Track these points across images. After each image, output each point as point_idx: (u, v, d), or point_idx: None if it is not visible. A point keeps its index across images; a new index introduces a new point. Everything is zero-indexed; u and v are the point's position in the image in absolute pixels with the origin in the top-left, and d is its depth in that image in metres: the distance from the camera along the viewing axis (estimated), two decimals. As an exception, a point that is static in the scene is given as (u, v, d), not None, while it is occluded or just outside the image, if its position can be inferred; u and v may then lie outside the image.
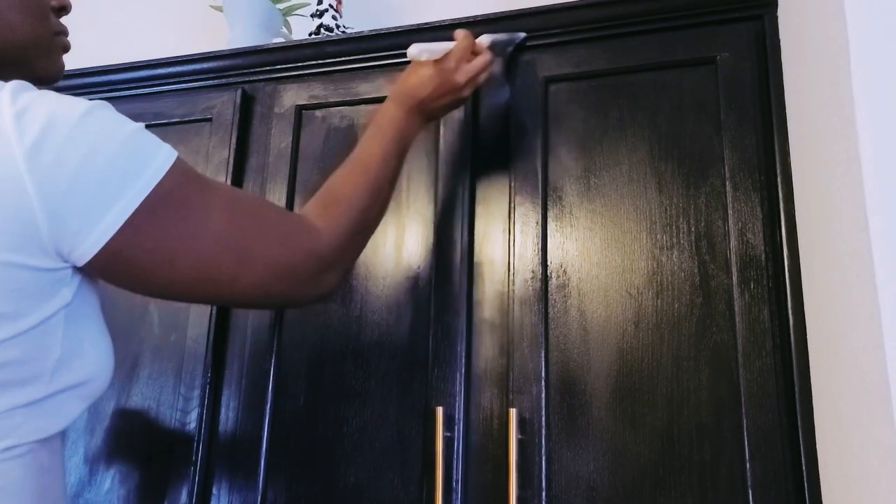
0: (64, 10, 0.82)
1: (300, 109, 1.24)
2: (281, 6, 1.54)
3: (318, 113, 1.24)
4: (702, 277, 0.98)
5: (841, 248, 0.68)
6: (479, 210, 1.11)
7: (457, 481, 0.99)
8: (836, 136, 0.67)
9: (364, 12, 1.62)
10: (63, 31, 0.81)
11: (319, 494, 1.06)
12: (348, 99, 1.22)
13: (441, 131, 1.14)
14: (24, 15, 0.74)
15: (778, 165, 0.97)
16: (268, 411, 1.10)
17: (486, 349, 1.05)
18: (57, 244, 0.61)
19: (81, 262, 0.63)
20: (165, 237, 0.66)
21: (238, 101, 1.27)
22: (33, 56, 0.76)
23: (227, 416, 1.13)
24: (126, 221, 0.62)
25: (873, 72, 0.59)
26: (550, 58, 1.13)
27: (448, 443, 1.00)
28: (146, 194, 0.63)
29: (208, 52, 1.32)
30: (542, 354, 1.01)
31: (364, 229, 0.88)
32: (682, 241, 1.00)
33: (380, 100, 1.19)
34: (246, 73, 1.30)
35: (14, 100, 0.61)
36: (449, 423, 1.00)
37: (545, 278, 1.04)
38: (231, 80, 1.31)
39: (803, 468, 0.87)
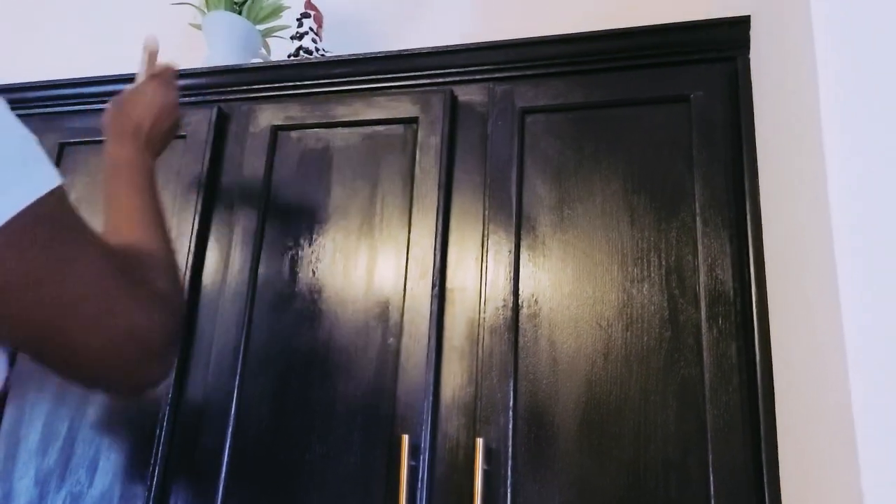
0: None
1: (276, 130, 1.23)
2: (261, 27, 1.54)
3: (294, 134, 1.23)
4: (671, 311, 0.98)
5: (808, 287, 0.69)
6: (452, 237, 1.11)
7: (420, 511, 0.97)
8: (805, 178, 0.68)
9: (344, 37, 1.62)
10: None
11: (279, 522, 1.03)
12: (324, 121, 1.21)
13: (417, 157, 1.14)
14: None
15: (748, 203, 0.99)
16: (229, 435, 1.08)
17: (455, 377, 1.04)
18: None
19: None
20: (19, 268, 0.55)
21: (213, 119, 1.26)
22: None
23: (188, 437, 1.10)
24: None
25: (842, 116, 0.60)
26: (528, 89, 1.14)
27: (413, 472, 0.98)
28: (6, 218, 0.53)
29: (185, 70, 1.31)
30: (511, 384, 1.00)
31: (175, 295, 0.75)
32: (652, 275, 1.00)
33: (356, 123, 1.20)
34: (222, 91, 1.29)
35: None
36: (414, 452, 0.99)
37: (516, 307, 1.04)
38: (207, 97, 1.30)
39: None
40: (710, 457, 0.90)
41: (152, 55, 1.02)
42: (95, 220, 0.95)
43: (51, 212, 0.57)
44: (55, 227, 0.58)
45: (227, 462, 1.07)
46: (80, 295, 0.60)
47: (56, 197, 0.57)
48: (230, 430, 1.08)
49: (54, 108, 1.35)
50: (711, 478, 0.90)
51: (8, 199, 0.53)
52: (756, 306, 0.94)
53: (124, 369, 0.65)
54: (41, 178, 0.57)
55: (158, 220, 0.81)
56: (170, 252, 0.79)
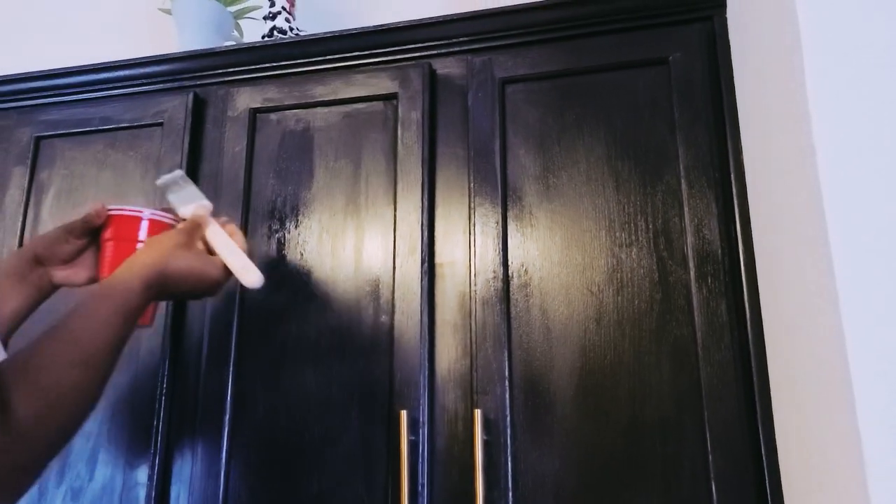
0: None
1: (254, 112, 1.22)
2: (232, 9, 1.51)
3: (273, 116, 1.22)
4: (660, 273, 0.99)
5: (796, 240, 0.70)
6: (438, 212, 1.11)
7: (423, 485, 0.98)
8: (790, 129, 0.68)
9: (317, 15, 1.60)
10: None
11: (282, 504, 1.04)
12: (303, 101, 1.20)
13: (399, 133, 1.14)
14: None
15: (731, 162, 0.99)
16: (227, 422, 1.08)
17: (449, 351, 1.04)
18: None
19: None
20: None
21: (190, 104, 1.24)
22: None
23: (186, 424, 1.10)
24: None
25: (826, 63, 0.60)
26: (507, 59, 1.13)
27: (413, 446, 0.99)
28: None
29: (158, 56, 1.29)
30: (506, 354, 1.01)
31: (72, 428, 0.68)
32: (640, 239, 1.01)
33: (336, 102, 1.18)
34: (197, 76, 1.27)
35: None
36: (413, 426, 1.00)
37: (506, 278, 1.04)
38: (182, 83, 1.28)
39: (763, 458, 0.88)
40: (706, 414, 0.92)
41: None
42: (74, 213, 0.94)
43: None
44: None
45: (227, 447, 1.07)
46: None
47: None
48: (227, 415, 1.08)
49: (27, 102, 1.33)
50: (708, 434, 0.91)
51: None
52: (744, 264, 0.95)
53: None
54: None
55: (106, 371, 0.72)
56: (88, 397, 0.69)
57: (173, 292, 0.83)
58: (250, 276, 0.86)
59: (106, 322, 0.73)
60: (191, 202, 0.95)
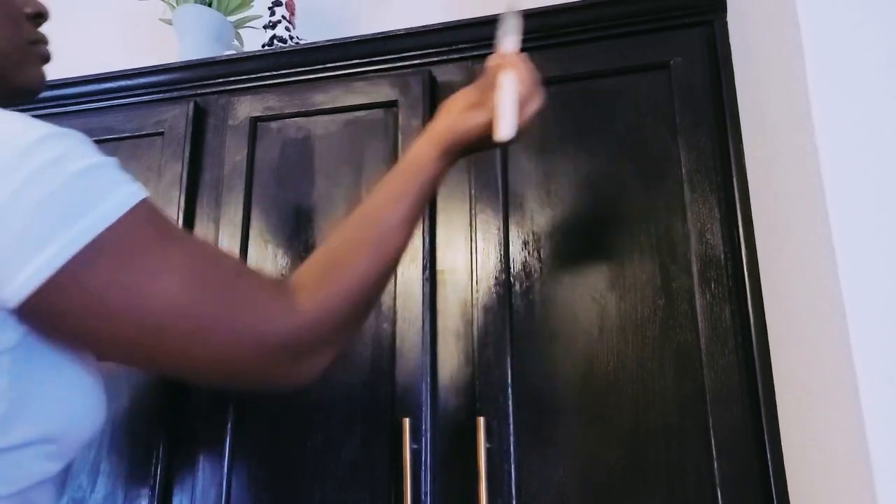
0: (40, 17, 0.75)
1: (255, 121, 1.22)
2: (232, 18, 1.51)
3: (274, 124, 1.22)
4: (663, 279, 0.98)
5: (799, 243, 0.69)
6: (440, 218, 1.10)
7: (426, 493, 0.97)
8: (792, 132, 0.68)
9: (317, 23, 1.60)
10: (40, 40, 0.74)
11: (285, 514, 1.03)
12: (304, 110, 1.20)
13: (400, 141, 1.14)
14: None
15: (733, 166, 0.99)
16: (229, 429, 1.07)
17: (451, 358, 1.04)
18: None
19: (12, 305, 0.54)
20: (107, 289, 0.56)
21: (190, 114, 1.24)
22: (6, 66, 0.69)
23: (188, 434, 1.09)
24: (62, 266, 0.53)
25: (827, 64, 0.60)
26: (507, 65, 1.13)
27: (415, 454, 0.98)
28: (87, 240, 0.54)
29: (158, 66, 1.29)
30: (508, 361, 1.00)
31: (364, 306, 0.73)
32: (642, 244, 1.01)
33: (336, 110, 1.18)
34: (198, 85, 1.27)
35: None
36: (415, 434, 0.99)
37: (508, 285, 1.04)
38: (182, 93, 1.28)
39: (769, 464, 0.87)
40: (710, 419, 0.91)
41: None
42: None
43: (122, 234, 0.56)
44: (133, 247, 0.57)
45: (229, 456, 1.06)
46: (165, 314, 0.58)
47: (132, 217, 0.57)
48: (229, 424, 1.07)
49: (30, 113, 1.32)
50: (713, 440, 0.90)
51: (71, 233, 0.54)
52: (747, 268, 0.95)
53: (245, 373, 0.64)
54: (110, 205, 0.56)
55: (399, 236, 0.75)
56: (378, 266, 0.72)
57: (468, 150, 0.83)
58: (502, 129, 0.78)
59: (401, 194, 0.76)
60: (508, 36, 0.87)
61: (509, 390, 0.99)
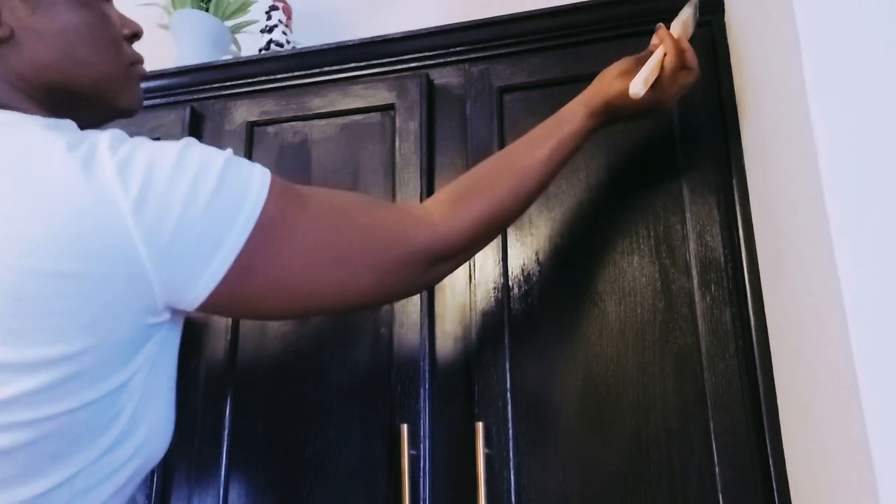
0: (136, 36, 0.77)
1: (252, 126, 1.21)
2: (229, 23, 1.51)
3: (271, 129, 1.21)
4: (663, 282, 0.97)
5: (799, 245, 0.68)
6: (437, 222, 1.09)
7: (424, 500, 0.96)
8: (790, 133, 0.67)
9: (314, 27, 1.60)
10: (138, 60, 0.76)
11: (282, 521, 1.02)
12: (301, 114, 1.19)
13: (396, 144, 1.13)
14: (96, 49, 0.69)
15: (732, 167, 0.98)
16: (226, 436, 1.06)
17: (450, 363, 1.03)
18: (167, 296, 0.58)
19: (191, 308, 0.61)
20: (272, 265, 0.63)
21: (187, 118, 1.23)
22: (110, 91, 0.71)
23: (185, 439, 1.08)
24: (234, 260, 0.60)
25: (825, 64, 0.59)
26: (505, 68, 1.13)
27: (414, 461, 0.97)
28: (250, 229, 0.60)
29: (155, 71, 1.28)
30: (507, 366, 0.99)
31: (497, 227, 0.81)
32: (641, 246, 1.00)
33: (333, 114, 1.18)
34: (194, 90, 1.27)
35: (114, 151, 0.57)
36: (414, 440, 0.98)
37: (507, 289, 1.03)
38: (179, 98, 1.27)
39: (771, 469, 0.86)
40: (712, 424, 0.90)
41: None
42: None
43: (271, 213, 0.62)
44: (282, 220, 0.63)
45: (226, 462, 1.05)
46: (321, 268, 0.66)
47: (271, 195, 0.63)
48: (226, 430, 1.07)
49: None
50: (714, 445, 0.89)
51: (237, 228, 0.60)
52: (747, 270, 0.94)
53: (392, 288, 0.73)
54: (255, 193, 0.62)
55: (536, 177, 0.83)
56: (512, 195, 0.81)
57: (621, 115, 0.91)
58: (632, 85, 0.85)
59: (544, 139, 0.85)
60: (677, 20, 0.94)
61: (508, 395, 0.98)
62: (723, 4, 1.05)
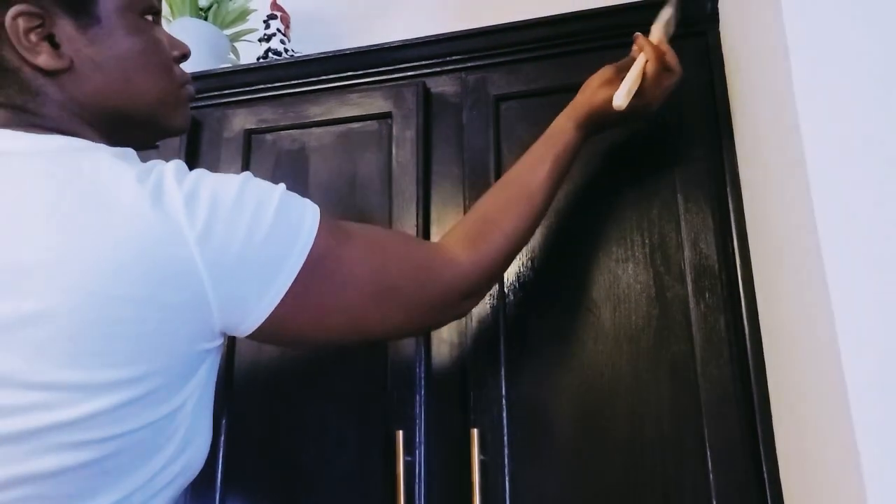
0: (185, 57, 0.79)
1: (249, 133, 1.22)
2: (228, 32, 1.52)
3: (268, 137, 1.22)
4: (657, 289, 0.98)
5: (791, 252, 0.69)
6: (433, 229, 1.10)
7: (419, 507, 0.96)
8: (781, 140, 0.68)
9: (312, 36, 1.61)
10: (188, 81, 0.79)
11: (278, 528, 1.02)
12: (298, 122, 1.20)
13: (393, 152, 1.13)
14: (151, 75, 0.71)
15: (727, 175, 0.98)
16: (222, 443, 1.06)
17: (445, 369, 1.03)
18: (224, 322, 0.61)
19: (244, 335, 0.64)
20: (321, 296, 0.66)
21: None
22: (163, 114, 0.74)
23: (180, 450, 1.09)
24: (287, 290, 0.63)
25: (813, 75, 0.60)
26: (501, 76, 1.13)
27: (409, 467, 0.97)
28: (303, 261, 0.63)
29: (154, 79, 1.29)
30: (502, 373, 0.99)
31: (513, 256, 0.86)
32: (636, 254, 1.00)
33: (330, 122, 1.18)
34: (193, 98, 1.27)
35: (180, 184, 0.59)
36: (409, 446, 0.98)
37: (502, 296, 1.03)
38: (178, 105, 1.28)
39: (765, 476, 0.87)
40: (706, 431, 0.90)
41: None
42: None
43: (321, 247, 0.65)
44: (331, 255, 0.66)
45: (222, 469, 1.05)
46: (361, 300, 0.70)
47: (322, 231, 0.66)
48: (222, 437, 1.07)
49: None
50: (708, 453, 0.89)
51: (292, 260, 0.63)
52: (742, 278, 0.94)
53: (426, 319, 0.80)
54: (308, 227, 0.65)
55: (540, 200, 0.86)
56: (523, 226, 0.85)
57: (608, 123, 0.94)
58: (616, 97, 0.88)
59: (540, 160, 0.88)
60: (655, 24, 0.96)
61: (503, 402, 0.98)
62: (717, 15, 1.05)
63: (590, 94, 0.92)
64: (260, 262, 0.61)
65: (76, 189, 0.57)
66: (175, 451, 0.62)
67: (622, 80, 0.90)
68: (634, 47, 0.94)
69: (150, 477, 0.60)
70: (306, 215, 0.66)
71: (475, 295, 0.82)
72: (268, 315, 0.63)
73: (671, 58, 0.93)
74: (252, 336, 0.65)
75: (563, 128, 0.91)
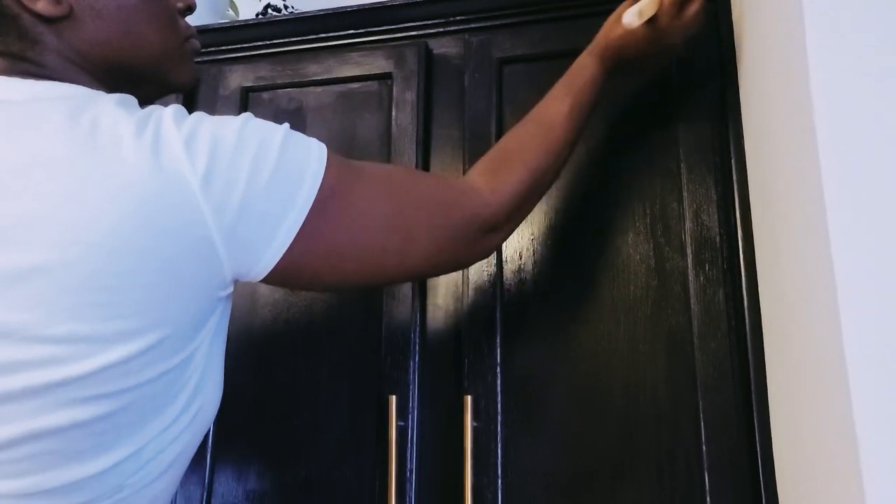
0: (190, 10, 0.76)
1: (246, 91, 1.20)
2: (227, -14, 1.49)
3: (266, 95, 1.19)
4: (657, 260, 0.97)
5: (795, 227, 0.68)
6: (432, 194, 1.08)
7: (411, 471, 0.96)
8: (790, 114, 0.66)
9: (314, -7, 1.57)
10: (192, 35, 0.76)
11: (269, 489, 1.02)
12: (296, 80, 1.18)
13: (393, 114, 1.11)
14: (154, 25, 0.69)
15: (732, 147, 0.97)
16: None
17: (440, 336, 1.02)
18: (235, 269, 0.60)
19: (257, 280, 0.63)
20: (333, 236, 0.64)
21: (181, 82, 1.21)
22: (166, 66, 0.72)
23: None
24: (298, 231, 0.61)
25: (829, 47, 0.58)
26: (505, 38, 1.11)
27: (402, 432, 0.97)
28: (312, 201, 0.62)
29: (150, 32, 1.26)
30: (498, 340, 0.99)
31: (537, 191, 0.84)
32: (637, 224, 0.99)
33: (329, 81, 1.16)
34: (190, 53, 1.25)
35: (179, 127, 0.58)
36: (402, 411, 0.98)
37: (500, 263, 1.02)
38: (174, 61, 1.25)
39: (758, 450, 0.86)
40: (701, 404, 0.90)
41: None
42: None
43: (330, 184, 0.63)
44: (341, 191, 0.65)
45: (213, 432, 1.05)
46: (378, 237, 0.68)
47: (330, 167, 0.64)
48: (215, 399, 1.06)
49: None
50: (702, 425, 0.89)
51: (300, 200, 0.61)
52: (743, 251, 0.93)
53: (448, 256, 0.75)
54: (315, 165, 0.63)
55: (562, 131, 0.85)
56: (546, 156, 0.83)
57: (628, 58, 0.91)
58: (628, 14, 0.88)
59: (561, 95, 0.87)
60: None
61: (498, 370, 0.98)
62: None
63: (608, 27, 0.91)
64: (266, 204, 0.59)
65: (74, 138, 0.56)
66: (187, 401, 0.62)
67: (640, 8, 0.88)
68: None
69: (164, 428, 0.60)
70: (311, 154, 0.64)
71: (497, 229, 0.79)
72: (279, 259, 0.61)
73: None
74: (266, 280, 0.63)
75: (583, 63, 0.90)
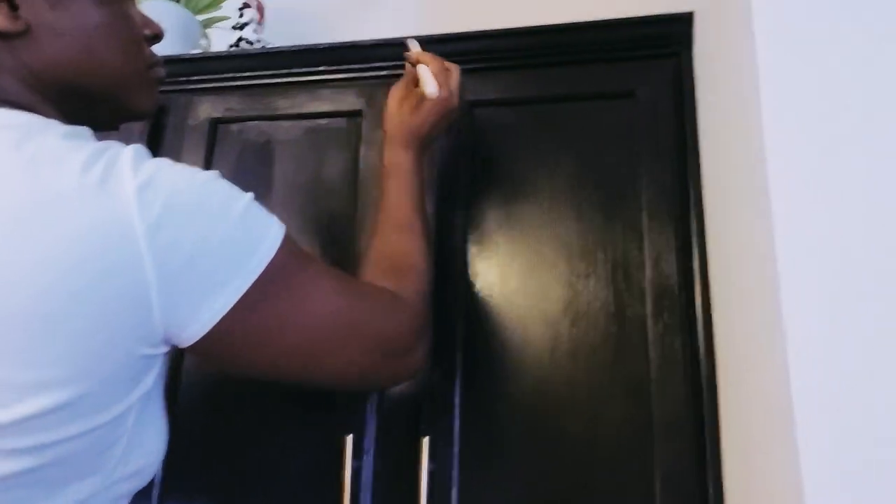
0: (157, 38, 0.75)
1: (215, 122, 1.19)
2: (201, 18, 1.49)
3: (234, 127, 1.19)
4: (617, 306, 0.98)
5: (750, 280, 0.69)
6: (397, 232, 1.08)
7: (365, 513, 0.95)
8: (746, 173, 0.68)
9: (288, 29, 1.58)
10: (157, 63, 0.75)
11: (218, 528, 1.00)
12: (266, 114, 1.18)
13: (362, 152, 1.12)
14: (117, 49, 0.67)
15: (692, 197, 0.99)
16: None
17: (400, 375, 1.02)
18: (166, 327, 0.57)
19: (185, 345, 0.59)
20: (270, 317, 0.62)
21: (149, 110, 1.21)
22: (126, 92, 0.70)
23: (121, 443, 1.05)
24: (237, 301, 0.59)
25: (782, 107, 0.60)
26: (476, 82, 1.12)
27: (356, 473, 0.96)
28: (257, 275, 0.60)
29: (120, 59, 1.26)
30: (457, 382, 0.98)
31: (429, 285, 0.85)
32: (598, 270, 1.00)
33: (299, 116, 1.16)
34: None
35: (136, 171, 0.55)
36: (357, 452, 0.96)
37: (461, 304, 1.02)
38: (143, 88, 1.25)
39: (710, 494, 0.87)
40: (655, 450, 0.90)
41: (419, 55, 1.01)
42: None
43: (279, 266, 0.62)
44: (287, 275, 0.63)
45: (162, 472, 1.02)
46: (319, 330, 0.66)
47: (283, 249, 0.63)
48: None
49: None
50: (656, 472, 0.89)
51: (245, 272, 0.59)
52: (700, 300, 0.94)
53: (380, 372, 0.75)
54: (269, 242, 0.62)
55: (421, 226, 0.89)
56: (425, 256, 0.86)
57: (427, 133, 0.95)
58: (428, 89, 0.96)
59: (398, 199, 0.90)
60: (411, 42, 1.05)
61: (456, 411, 0.97)
62: (691, 38, 1.06)
63: (397, 118, 0.94)
64: (215, 263, 0.57)
65: (13, 168, 0.54)
66: (123, 458, 0.59)
67: (414, 91, 0.96)
68: (409, 61, 1.00)
69: (94, 489, 0.58)
70: (270, 229, 0.63)
71: (422, 342, 0.78)
72: (215, 324, 0.58)
73: (440, 59, 0.98)
74: (193, 349, 0.60)
75: (396, 161, 0.93)
